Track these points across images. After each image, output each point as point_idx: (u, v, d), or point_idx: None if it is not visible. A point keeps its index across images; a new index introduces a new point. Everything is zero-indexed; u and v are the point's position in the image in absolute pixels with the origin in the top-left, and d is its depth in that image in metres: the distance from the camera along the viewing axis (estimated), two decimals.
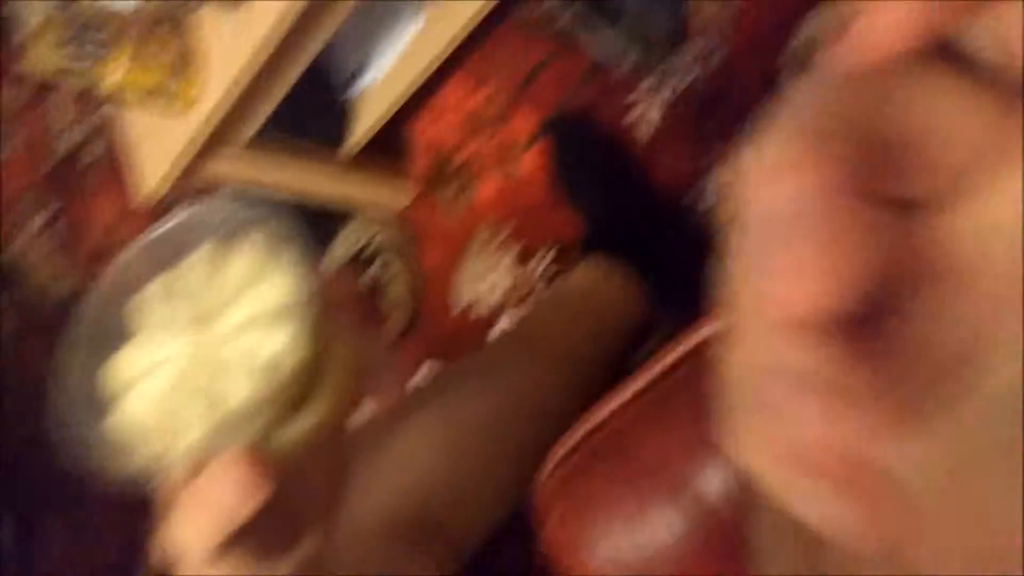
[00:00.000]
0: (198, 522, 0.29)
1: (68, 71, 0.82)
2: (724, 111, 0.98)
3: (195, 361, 0.28)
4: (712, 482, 0.45)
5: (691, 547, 0.41)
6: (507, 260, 1.17)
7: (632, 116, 1.06)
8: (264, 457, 0.28)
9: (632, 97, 1.06)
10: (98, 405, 0.29)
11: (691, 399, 0.47)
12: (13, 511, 1.37)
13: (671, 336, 0.96)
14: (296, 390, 0.28)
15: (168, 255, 0.30)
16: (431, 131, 1.28)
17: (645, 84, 1.05)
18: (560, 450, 0.52)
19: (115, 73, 0.88)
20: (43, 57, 0.80)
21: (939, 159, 0.11)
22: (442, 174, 1.26)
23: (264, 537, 0.31)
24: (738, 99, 0.97)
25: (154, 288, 0.30)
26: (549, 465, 0.52)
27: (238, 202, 0.29)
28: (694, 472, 0.43)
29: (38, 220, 2.23)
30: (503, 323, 1.17)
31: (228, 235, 0.29)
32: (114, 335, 0.29)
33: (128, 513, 1.53)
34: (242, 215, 0.29)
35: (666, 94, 1.03)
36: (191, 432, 0.27)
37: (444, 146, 1.26)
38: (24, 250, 2.29)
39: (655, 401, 0.49)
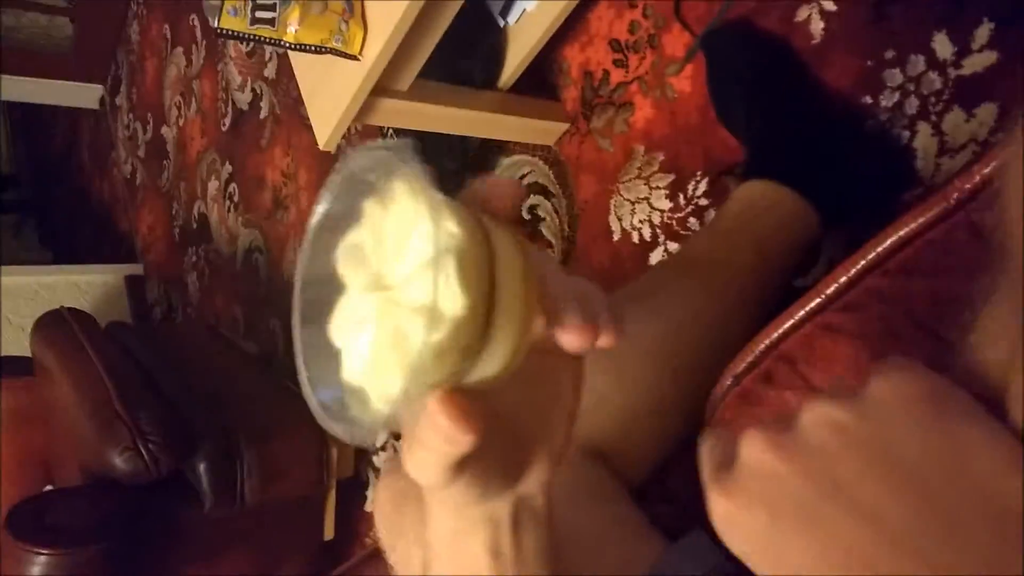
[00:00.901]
0: (420, 463, 0.31)
1: (252, 33, 0.89)
2: None
3: (383, 316, 0.28)
4: None
5: None
6: (663, 187, 1.16)
7: (803, 12, 0.98)
8: (462, 399, 0.29)
9: None
10: (332, 370, 0.30)
11: (861, 321, 0.46)
12: (210, 446, 1.54)
13: (840, 257, 0.93)
14: (475, 323, 0.28)
15: (342, 217, 0.31)
16: (582, 58, 1.27)
17: None
18: (729, 376, 0.53)
19: (289, 28, 0.94)
20: (230, 21, 0.87)
21: None
22: (595, 101, 1.26)
23: (486, 466, 0.33)
24: None
25: (339, 253, 0.31)
26: (719, 391, 0.53)
27: (388, 147, 0.29)
28: None
29: (221, 175, 2.43)
30: (661, 250, 1.17)
31: (384, 184, 0.29)
32: (325, 301, 0.31)
33: (319, 445, 1.69)
34: (393, 160, 0.29)
35: None
36: (395, 384, 0.28)
37: (596, 73, 1.25)
38: (209, 205, 2.52)
39: (825, 324, 0.48)
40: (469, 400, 0.29)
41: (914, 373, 0.29)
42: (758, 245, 0.88)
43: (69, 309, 1.82)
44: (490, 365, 0.30)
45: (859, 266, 0.48)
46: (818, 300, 0.50)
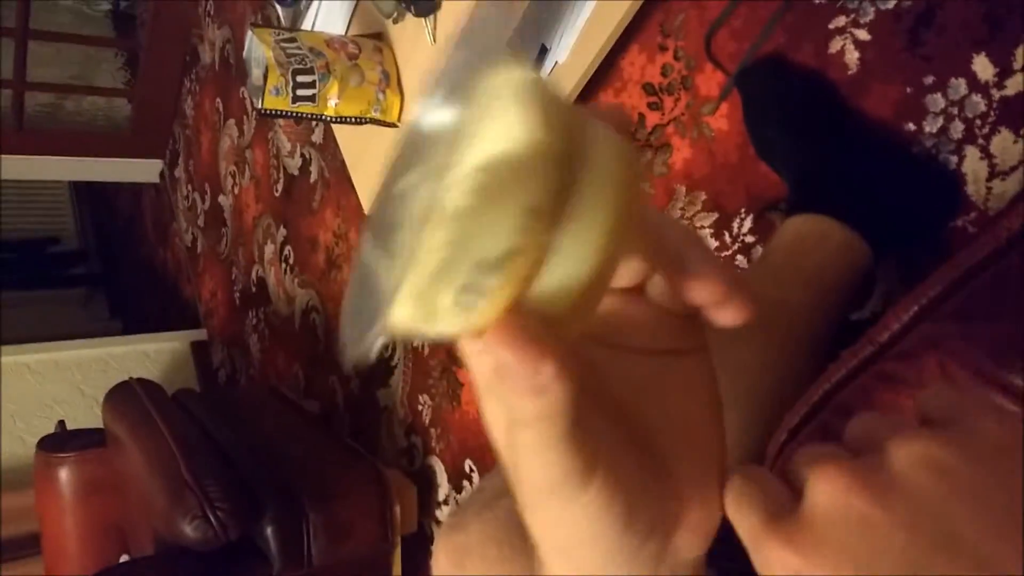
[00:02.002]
0: (494, 414, 0.24)
1: (294, 111, 0.92)
2: (942, 19, 0.89)
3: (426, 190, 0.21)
4: None
5: None
6: (707, 226, 1.15)
7: (836, 44, 0.98)
8: (527, 320, 0.21)
9: (835, 22, 0.98)
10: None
11: (919, 370, 0.44)
12: (276, 509, 1.56)
13: (895, 288, 0.90)
14: (545, 176, 0.20)
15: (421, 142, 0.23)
16: (617, 104, 1.28)
17: (848, 4, 0.97)
18: (784, 431, 0.51)
19: (330, 103, 0.98)
20: (273, 101, 0.90)
21: None
22: (633, 145, 1.26)
23: (622, 472, 0.24)
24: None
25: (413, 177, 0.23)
26: (774, 447, 0.52)
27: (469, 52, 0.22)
28: None
29: (276, 239, 2.51)
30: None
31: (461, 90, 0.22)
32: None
33: (382, 501, 1.70)
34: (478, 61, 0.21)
35: (871, 14, 0.94)
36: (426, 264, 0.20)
37: (632, 117, 1.26)
38: (267, 268, 2.59)
39: (882, 374, 0.47)
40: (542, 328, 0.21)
41: (1012, 415, 0.25)
42: (810, 281, 0.86)
43: (138, 380, 1.88)
44: (563, 268, 0.21)
45: (911, 312, 0.47)
46: (871, 348, 0.48)
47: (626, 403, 0.25)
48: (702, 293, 0.25)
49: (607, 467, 0.23)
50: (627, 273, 0.26)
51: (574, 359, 0.21)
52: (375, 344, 0.22)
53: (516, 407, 0.22)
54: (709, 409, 0.27)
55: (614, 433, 0.24)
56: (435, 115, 0.23)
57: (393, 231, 0.23)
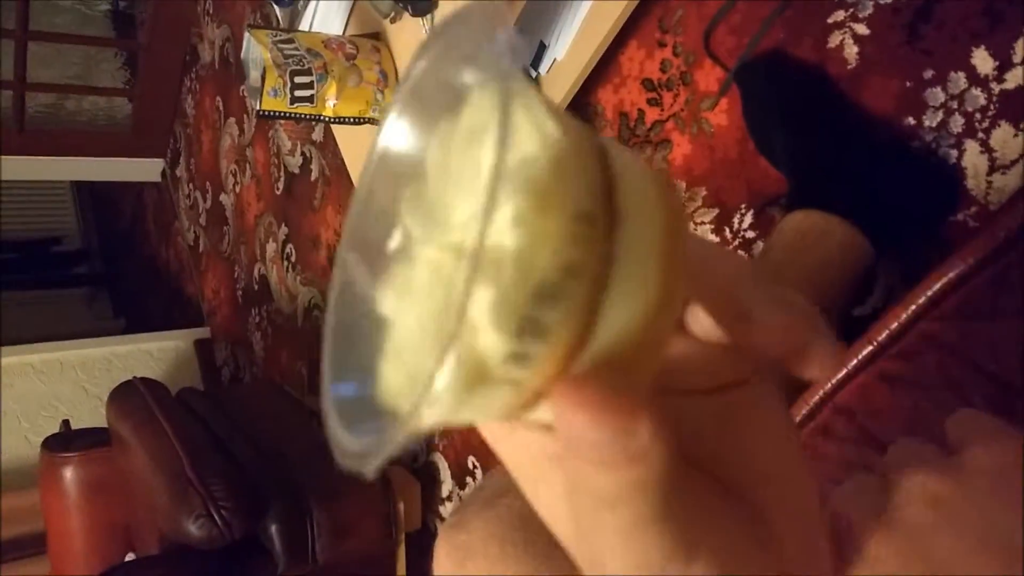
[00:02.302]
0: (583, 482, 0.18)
1: (292, 112, 0.92)
2: (941, 13, 0.89)
3: (430, 271, 0.18)
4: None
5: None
6: (708, 221, 1.15)
7: (835, 39, 0.97)
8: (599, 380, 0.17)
9: (833, 17, 0.97)
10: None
11: (918, 369, 0.44)
12: (280, 507, 1.56)
13: (897, 286, 0.90)
14: (585, 227, 0.16)
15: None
16: (615, 100, 1.27)
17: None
18: None
19: (328, 103, 0.97)
20: (271, 102, 0.90)
21: None
22: (632, 141, 1.26)
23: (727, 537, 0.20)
24: None
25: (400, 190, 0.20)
26: None
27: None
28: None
29: (278, 237, 2.51)
30: None
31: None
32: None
33: (385, 499, 1.71)
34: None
35: (870, 8, 0.94)
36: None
37: (631, 113, 1.26)
38: (268, 266, 2.59)
39: (881, 373, 0.47)
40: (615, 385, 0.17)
41: (1013, 440, 0.26)
42: (812, 278, 0.86)
43: (141, 379, 1.88)
44: (624, 298, 0.17)
45: (910, 311, 0.47)
46: (870, 348, 0.48)
47: (705, 455, 0.21)
48: (770, 338, 0.20)
49: (711, 539, 0.19)
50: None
51: (665, 413, 0.17)
52: (376, 466, 0.17)
53: (599, 486, 0.17)
54: (789, 438, 0.22)
55: (709, 496, 0.20)
56: (407, 131, 0.20)
57: (383, 256, 0.20)
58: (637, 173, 0.18)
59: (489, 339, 0.16)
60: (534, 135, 0.17)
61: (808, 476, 0.22)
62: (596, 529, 0.18)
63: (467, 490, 1.77)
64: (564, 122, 0.17)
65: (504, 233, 0.16)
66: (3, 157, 3.01)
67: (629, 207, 0.17)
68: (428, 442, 1.87)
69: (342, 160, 2.10)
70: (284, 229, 2.47)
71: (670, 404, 0.21)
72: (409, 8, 0.91)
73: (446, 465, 1.82)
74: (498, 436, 0.20)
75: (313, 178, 2.24)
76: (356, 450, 0.18)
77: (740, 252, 1.11)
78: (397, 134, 0.20)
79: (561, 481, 0.19)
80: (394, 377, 0.18)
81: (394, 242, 0.20)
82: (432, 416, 0.17)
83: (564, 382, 0.16)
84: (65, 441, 1.85)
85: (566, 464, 0.18)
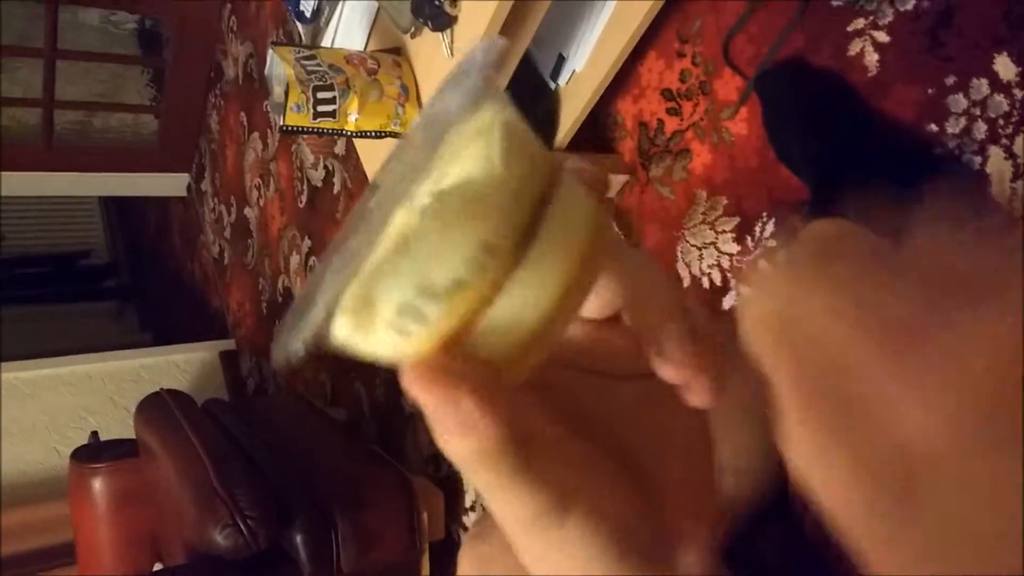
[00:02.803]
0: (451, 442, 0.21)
1: (315, 127, 0.93)
2: (962, 19, 0.88)
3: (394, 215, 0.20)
4: None
5: None
6: (729, 230, 1.15)
7: (855, 46, 0.97)
8: (463, 358, 0.20)
9: (853, 25, 0.97)
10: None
11: None
12: (305, 517, 1.57)
13: None
14: (505, 204, 0.20)
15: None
16: (635, 110, 1.28)
17: (866, 6, 0.96)
18: None
19: (350, 117, 0.99)
20: (294, 118, 0.92)
21: None
22: (652, 151, 1.26)
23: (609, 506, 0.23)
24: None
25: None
26: None
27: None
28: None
29: (302, 249, 2.53)
30: (733, 295, 1.15)
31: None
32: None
33: (409, 509, 1.71)
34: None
35: (890, 15, 0.93)
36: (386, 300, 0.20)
37: (651, 123, 1.26)
38: (292, 278, 2.62)
39: None
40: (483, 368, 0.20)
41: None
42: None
43: (168, 390, 1.91)
44: (512, 311, 0.20)
45: None
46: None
47: (612, 428, 0.25)
48: (668, 373, 0.24)
49: (587, 497, 0.22)
50: (600, 306, 0.25)
51: (506, 394, 0.20)
52: (299, 345, 0.21)
53: (452, 452, 0.20)
54: (695, 421, 0.27)
55: (597, 459, 0.24)
56: (411, 150, 0.23)
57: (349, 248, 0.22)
58: (571, 216, 0.21)
59: (376, 303, 0.20)
60: (480, 162, 0.20)
61: (708, 456, 0.27)
62: (475, 486, 0.22)
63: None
64: (518, 158, 0.20)
65: (418, 219, 0.19)
66: (32, 173, 3.07)
67: (545, 249, 0.20)
68: None
69: (364, 173, 2.12)
70: (307, 241, 2.50)
71: (582, 381, 0.25)
72: (429, 23, 0.92)
73: None
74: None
75: (335, 191, 2.27)
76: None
77: (759, 259, 1.10)
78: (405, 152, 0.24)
79: None
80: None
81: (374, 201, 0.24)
82: (339, 328, 0.21)
83: (413, 358, 0.20)
84: (94, 452, 1.88)
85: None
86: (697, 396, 0.24)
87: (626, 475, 0.24)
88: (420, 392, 0.20)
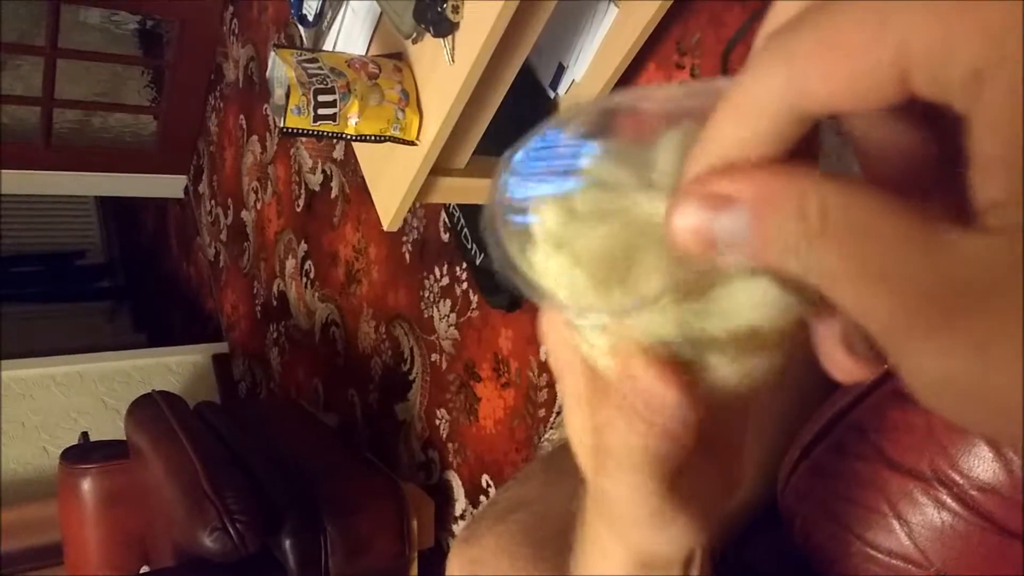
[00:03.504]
0: (621, 440, 0.23)
1: (315, 129, 0.94)
2: None
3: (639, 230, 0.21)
4: (973, 471, 0.42)
5: (954, 548, 0.39)
6: None
7: None
8: (692, 382, 0.22)
9: None
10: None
11: None
12: (294, 522, 1.57)
13: None
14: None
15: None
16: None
17: None
18: (797, 448, 0.51)
19: (350, 121, 0.99)
20: (295, 120, 0.92)
21: None
22: None
23: (704, 493, 0.26)
24: None
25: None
26: (788, 462, 0.52)
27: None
28: (948, 464, 0.40)
29: (298, 254, 2.53)
30: None
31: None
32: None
33: (399, 516, 1.71)
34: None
35: None
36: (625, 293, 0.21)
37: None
38: (287, 282, 2.62)
39: (895, 392, 0.47)
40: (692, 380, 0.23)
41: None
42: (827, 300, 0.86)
43: (160, 392, 1.90)
44: (749, 362, 0.24)
45: None
46: (884, 367, 0.48)
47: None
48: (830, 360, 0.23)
49: (698, 504, 0.25)
50: None
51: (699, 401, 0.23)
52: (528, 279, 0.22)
53: (621, 427, 0.23)
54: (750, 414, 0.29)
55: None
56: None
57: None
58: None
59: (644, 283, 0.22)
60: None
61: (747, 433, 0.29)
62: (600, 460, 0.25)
63: (480, 509, 1.77)
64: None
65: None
66: (30, 172, 3.07)
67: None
68: (442, 460, 1.87)
69: (362, 178, 2.13)
70: (304, 246, 2.50)
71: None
72: (431, 29, 0.93)
73: (459, 483, 1.82)
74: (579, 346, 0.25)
75: (333, 196, 2.27)
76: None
77: None
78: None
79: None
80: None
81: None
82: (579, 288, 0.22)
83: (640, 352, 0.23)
84: (84, 453, 1.87)
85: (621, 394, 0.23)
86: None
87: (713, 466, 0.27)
88: (631, 362, 0.22)
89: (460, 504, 1.81)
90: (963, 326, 0.16)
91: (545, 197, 0.23)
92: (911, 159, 0.20)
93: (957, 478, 0.41)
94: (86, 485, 1.79)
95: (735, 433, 0.28)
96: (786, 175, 0.18)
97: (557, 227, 0.22)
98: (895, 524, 0.42)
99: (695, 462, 0.24)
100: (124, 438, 1.87)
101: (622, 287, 0.21)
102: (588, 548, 0.29)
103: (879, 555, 0.42)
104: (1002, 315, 0.15)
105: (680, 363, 0.22)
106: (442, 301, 1.82)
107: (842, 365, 0.22)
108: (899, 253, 0.16)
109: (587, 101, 0.25)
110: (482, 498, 1.75)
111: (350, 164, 2.17)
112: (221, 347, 3.21)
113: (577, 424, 0.26)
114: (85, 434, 2.09)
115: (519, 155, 0.23)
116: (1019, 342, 0.15)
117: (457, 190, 1.15)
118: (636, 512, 0.24)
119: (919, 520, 0.41)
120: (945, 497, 0.40)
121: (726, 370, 0.23)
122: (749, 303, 0.22)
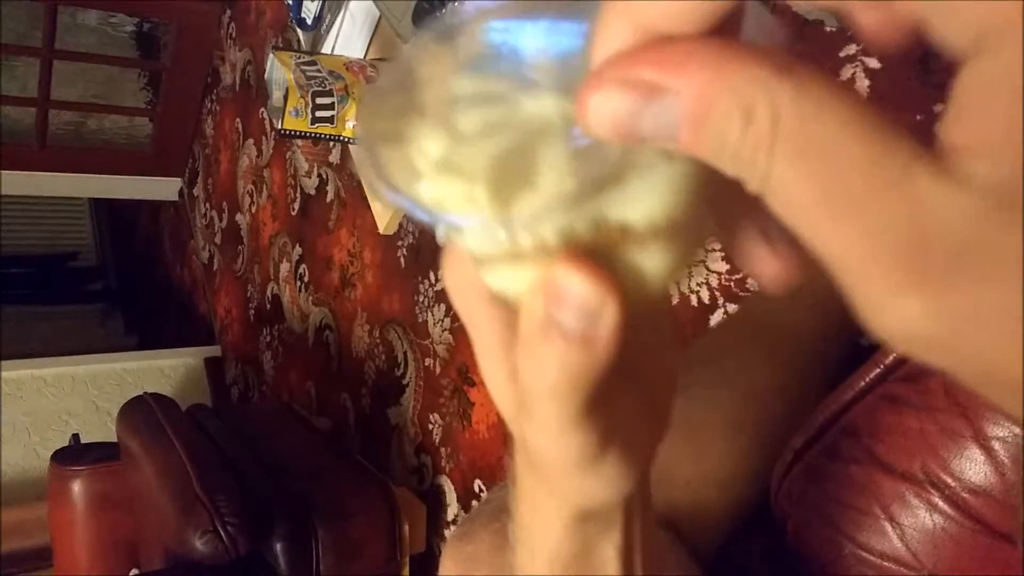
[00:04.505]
0: (541, 361, 0.20)
1: (313, 131, 0.94)
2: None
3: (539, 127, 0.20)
4: (964, 474, 0.42)
5: (946, 550, 0.39)
6: (718, 249, 1.16)
7: (847, 72, 0.99)
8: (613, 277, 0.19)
9: (845, 50, 0.99)
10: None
11: (924, 392, 0.45)
12: (285, 525, 1.57)
13: None
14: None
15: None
16: None
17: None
18: (790, 451, 0.52)
19: (348, 124, 1.00)
20: (292, 122, 0.92)
21: None
22: None
23: (628, 431, 0.23)
24: None
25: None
26: (781, 465, 0.52)
27: None
28: (940, 467, 0.41)
29: (292, 257, 2.53)
30: (720, 313, 1.16)
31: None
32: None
33: (391, 520, 1.70)
34: None
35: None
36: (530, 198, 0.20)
37: None
38: (281, 286, 2.61)
39: (888, 395, 0.47)
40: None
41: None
42: (821, 305, 0.87)
43: (152, 395, 1.90)
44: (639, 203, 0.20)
45: None
46: (877, 370, 0.49)
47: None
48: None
49: (625, 436, 0.23)
50: None
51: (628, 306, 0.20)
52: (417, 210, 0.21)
53: (541, 367, 0.20)
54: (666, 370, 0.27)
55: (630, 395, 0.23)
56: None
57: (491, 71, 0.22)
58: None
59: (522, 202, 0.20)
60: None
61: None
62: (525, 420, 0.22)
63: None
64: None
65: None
66: (24, 173, 3.06)
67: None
68: (435, 465, 1.87)
69: (358, 182, 2.13)
70: (298, 249, 2.50)
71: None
72: None
73: (452, 488, 1.82)
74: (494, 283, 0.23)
75: (329, 199, 2.27)
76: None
77: (751, 280, 1.11)
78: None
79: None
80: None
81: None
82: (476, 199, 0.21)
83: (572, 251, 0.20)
84: (74, 455, 1.86)
85: (534, 339, 0.20)
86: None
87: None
88: (568, 274, 0.19)
89: (452, 509, 1.81)
90: (940, 287, 0.15)
91: (421, 126, 0.22)
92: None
93: (949, 481, 0.41)
94: (76, 487, 1.78)
95: (657, 349, 0.25)
96: (731, 61, 0.15)
97: (444, 152, 0.21)
98: (887, 526, 0.42)
99: (618, 386, 0.21)
100: (115, 440, 1.86)
101: (529, 192, 0.20)
102: (523, 509, 0.27)
103: (871, 557, 0.42)
104: (977, 280, 0.15)
105: (599, 262, 0.20)
106: (436, 306, 1.82)
107: (765, 264, 0.21)
108: (871, 191, 0.15)
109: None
110: (474, 503, 1.75)
111: (346, 168, 2.17)
112: (214, 350, 3.20)
113: (494, 372, 0.24)
114: (76, 436, 2.08)
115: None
116: (999, 308, 0.15)
117: None
118: (562, 455, 0.22)
119: (911, 522, 0.41)
120: (937, 500, 0.41)
121: (647, 264, 0.21)
122: (670, 189, 0.20)
